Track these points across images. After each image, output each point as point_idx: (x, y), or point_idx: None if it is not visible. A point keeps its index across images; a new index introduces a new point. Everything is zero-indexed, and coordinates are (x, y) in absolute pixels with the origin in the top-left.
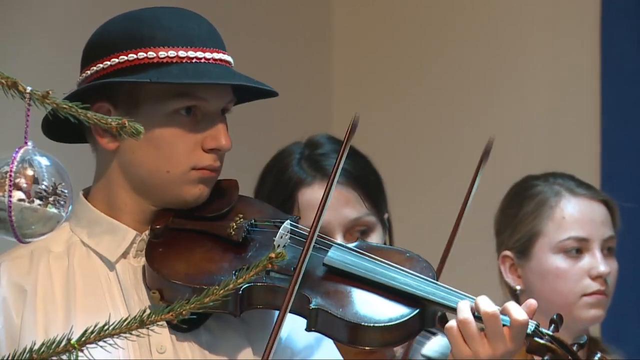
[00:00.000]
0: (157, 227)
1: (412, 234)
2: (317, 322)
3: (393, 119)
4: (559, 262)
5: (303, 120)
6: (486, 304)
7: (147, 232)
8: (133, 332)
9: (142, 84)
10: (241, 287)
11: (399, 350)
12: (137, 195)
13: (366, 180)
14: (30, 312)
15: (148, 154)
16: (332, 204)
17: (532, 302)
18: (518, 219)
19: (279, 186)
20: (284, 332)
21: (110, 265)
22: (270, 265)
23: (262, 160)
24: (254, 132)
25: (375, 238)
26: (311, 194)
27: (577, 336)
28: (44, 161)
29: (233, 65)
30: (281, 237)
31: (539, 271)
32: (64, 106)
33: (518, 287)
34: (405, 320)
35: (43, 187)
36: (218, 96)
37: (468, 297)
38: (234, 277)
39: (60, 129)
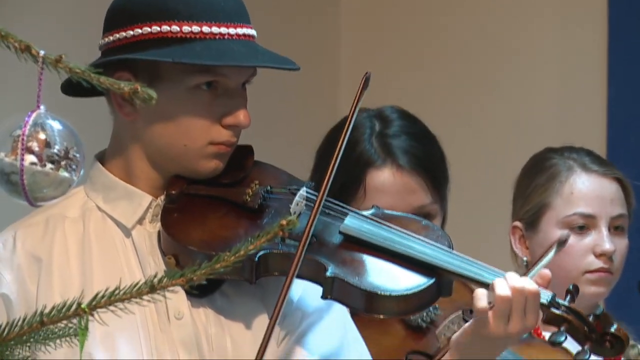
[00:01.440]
0: (173, 192)
1: None
2: (332, 290)
3: (402, 87)
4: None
5: (310, 85)
6: (501, 286)
7: (162, 197)
8: (144, 297)
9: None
10: (255, 254)
11: (445, 342)
12: (154, 163)
13: (434, 166)
14: (46, 279)
15: (166, 128)
16: (397, 190)
17: (546, 272)
18: (530, 190)
19: (348, 162)
20: (296, 295)
21: (126, 231)
22: (281, 233)
23: (269, 126)
24: (258, 98)
25: (435, 223)
26: (380, 178)
27: (570, 284)
28: (56, 125)
29: (256, 38)
30: (297, 204)
31: (545, 244)
32: (77, 70)
33: (525, 259)
34: (422, 290)
35: (55, 151)
36: (239, 73)
37: (485, 267)
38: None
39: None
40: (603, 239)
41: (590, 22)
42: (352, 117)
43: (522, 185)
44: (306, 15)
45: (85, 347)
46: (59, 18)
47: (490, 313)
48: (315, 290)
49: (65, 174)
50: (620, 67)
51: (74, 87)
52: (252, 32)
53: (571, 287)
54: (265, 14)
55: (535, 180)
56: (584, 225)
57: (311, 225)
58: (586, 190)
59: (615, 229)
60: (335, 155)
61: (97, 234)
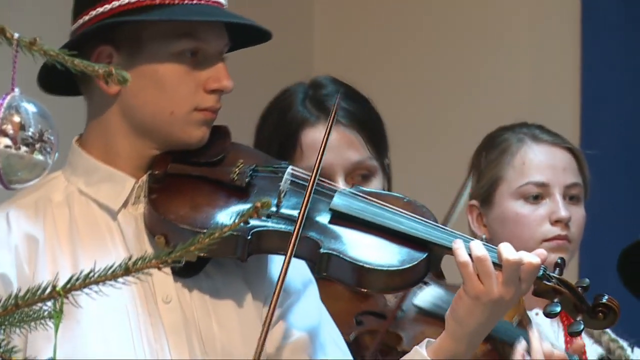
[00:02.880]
0: (157, 172)
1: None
2: (327, 267)
3: (374, 82)
4: (519, 207)
5: (284, 68)
6: (508, 251)
7: (143, 178)
8: (119, 280)
9: (145, 24)
10: (250, 230)
11: (391, 299)
12: (138, 139)
13: (370, 123)
14: (41, 261)
15: (152, 95)
16: (335, 145)
17: (542, 251)
18: (482, 167)
19: (282, 125)
20: (276, 275)
21: (112, 214)
22: (255, 215)
23: (243, 107)
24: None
25: (376, 183)
26: (314, 134)
27: (558, 257)
28: (30, 108)
29: (226, 6)
30: (285, 183)
31: (500, 218)
32: (51, 53)
33: (483, 236)
34: (415, 265)
35: (30, 133)
36: (218, 37)
37: (470, 238)
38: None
39: (54, 81)
40: (558, 206)
41: (564, 20)
42: (329, 128)
43: (475, 164)
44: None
45: (76, 333)
46: (42, 5)
47: (472, 271)
48: (294, 270)
49: (40, 157)
50: (594, 62)
51: (49, 84)
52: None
53: (559, 260)
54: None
55: (488, 156)
56: (538, 194)
57: (306, 205)
58: (538, 159)
59: (570, 198)
60: (325, 136)
61: (83, 217)
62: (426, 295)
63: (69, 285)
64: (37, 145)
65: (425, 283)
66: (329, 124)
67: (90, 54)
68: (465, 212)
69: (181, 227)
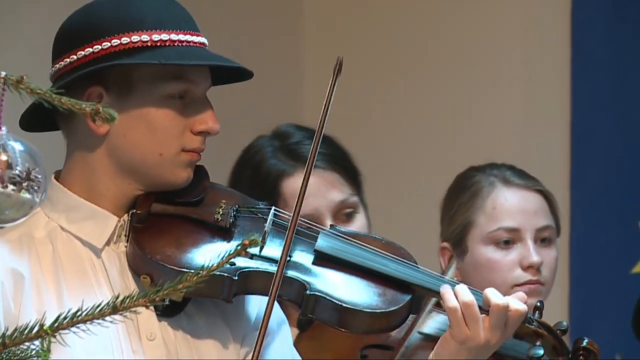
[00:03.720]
0: (140, 212)
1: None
2: (314, 309)
3: (364, 104)
4: (490, 253)
5: (274, 110)
6: (496, 296)
7: (125, 217)
8: (106, 318)
9: (136, 66)
10: (237, 271)
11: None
12: (123, 179)
13: (344, 161)
14: (27, 297)
15: (142, 137)
16: (318, 189)
17: (522, 294)
18: (454, 209)
19: (258, 181)
20: (253, 314)
21: (96, 252)
22: (243, 253)
23: (229, 149)
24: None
25: (361, 217)
26: (295, 184)
27: (538, 301)
28: (17, 146)
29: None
30: (269, 223)
31: (472, 263)
32: (38, 91)
33: (455, 279)
34: (400, 307)
35: (17, 172)
36: (204, 79)
37: (455, 282)
38: (228, 265)
39: (34, 119)
40: (529, 251)
41: (554, 56)
42: (328, 103)
43: (446, 205)
44: (269, 29)
45: None
46: (35, 46)
47: (460, 316)
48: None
49: (27, 196)
50: (584, 77)
51: (32, 122)
52: (205, 40)
53: (538, 303)
54: (227, 25)
55: (459, 199)
56: (509, 239)
57: (288, 248)
58: (508, 204)
59: (542, 241)
60: (306, 174)
61: (67, 254)
62: (430, 322)
63: (56, 324)
64: (25, 184)
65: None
66: (307, 171)
67: (81, 94)
68: (437, 254)
69: (169, 268)
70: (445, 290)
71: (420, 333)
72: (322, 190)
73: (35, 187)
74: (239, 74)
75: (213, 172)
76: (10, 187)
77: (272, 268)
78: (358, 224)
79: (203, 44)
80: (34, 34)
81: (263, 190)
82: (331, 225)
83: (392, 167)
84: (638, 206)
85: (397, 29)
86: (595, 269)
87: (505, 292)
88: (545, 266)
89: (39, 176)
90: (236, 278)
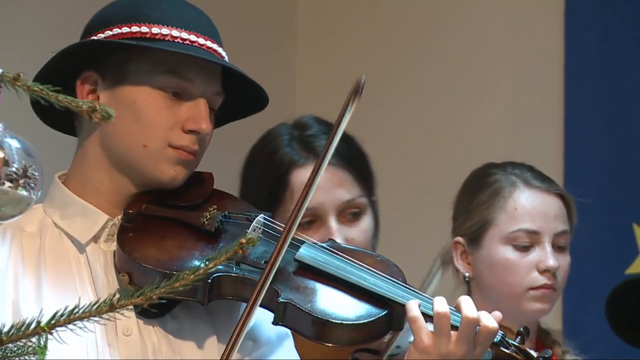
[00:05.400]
0: (130, 211)
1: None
2: (284, 316)
3: (355, 109)
4: (508, 253)
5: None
6: (469, 307)
7: (119, 217)
8: (103, 316)
9: (133, 56)
10: (211, 275)
11: (386, 336)
12: (116, 174)
13: (358, 161)
14: (1, 289)
15: (128, 126)
16: (326, 184)
17: (498, 314)
18: (472, 206)
19: (271, 168)
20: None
21: (81, 248)
22: (240, 251)
23: (228, 153)
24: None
25: (366, 219)
26: (304, 175)
27: (521, 326)
28: (14, 143)
29: (227, 60)
30: (254, 230)
31: (488, 261)
32: (35, 89)
33: (467, 274)
34: (373, 321)
35: (13, 169)
36: (205, 81)
37: (430, 299)
38: (204, 264)
39: (53, 116)
40: (547, 255)
41: (546, 58)
42: (338, 124)
43: (463, 201)
44: (262, 35)
45: None
46: (29, 44)
47: (420, 325)
48: (268, 321)
49: (24, 193)
50: (576, 79)
51: (49, 119)
52: (221, 51)
53: (522, 328)
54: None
55: (478, 196)
56: (528, 241)
57: (278, 253)
58: (530, 206)
59: (558, 246)
60: (311, 175)
61: (53, 249)
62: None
63: (53, 321)
64: (21, 181)
65: None
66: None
67: (76, 77)
68: (449, 248)
69: (144, 266)
70: (409, 301)
71: (410, 343)
72: (330, 187)
73: (32, 184)
74: (252, 102)
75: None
76: (7, 184)
77: (250, 275)
78: (363, 226)
79: (215, 51)
80: (28, 31)
81: (273, 178)
82: (330, 239)
83: (385, 167)
84: (631, 207)
85: (391, 29)
86: (589, 270)
87: (520, 294)
88: (560, 271)
89: (36, 173)
90: (210, 281)
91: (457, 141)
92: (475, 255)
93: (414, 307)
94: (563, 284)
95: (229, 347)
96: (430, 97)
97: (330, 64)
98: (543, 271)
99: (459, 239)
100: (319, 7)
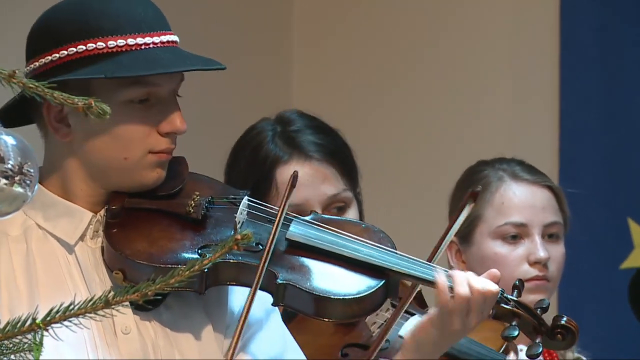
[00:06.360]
0: (114, 207)
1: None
2: (284, 297)
3: (352, 108)
4: (498, 247)
5: (262, 102)
6: (477, 281)
7: (101, 212)
8: (98, 312)
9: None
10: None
11: (376, 330)
12: (94, 182)
13: (341, 155)
14: None
15: (104, 143)
16: (310, 180)
17: (494, 271)
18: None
19: (255, 165)
20: (237, 306)
21: (69, 248)
22: (235, 247)
23: (217, 139)
24: (208, 111)
25: (352, 213)
26: (289, 172)
27: (516, 279)
28: (9, 140)
29: (179, 43)
30: (241, 213)
31: (479, 257)
32: (30, 85)
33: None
34: (372, 292)
35: (9, 166)
36: (170, 80)
37: (430, 265)
38: (198, 256)
39: (12, 114)
40: (536, 247)
41: (543, 55)
42: (282, 210)
43: (455, 199)
44: (258, 25)
45: None
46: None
47: (450, 305)
48: (256, 300)
49: (20, 190)
50: (572, 74)
51: (7, 117)
52: (175, 37)
53: (517, 282)
54: (215, 22)
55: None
56: (517, 234)
57: (272, 240)
58: (517, 199)
59: (549, 237)
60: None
61: (40, 252)
62: (411, 326)
63: (49, 318)
64: (17, 178)
65: (410, 313)
66: (285, 195)
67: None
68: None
69: (137, 262)
70: (436, 275)
71: (400, 337)
72: (314, 183)
73: (28, 181)
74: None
75: (201, 166)
76: (3, 181)
77: (244, 259)
78: (348, 218)
79: (170, 42)
80: (24, 29)
81: (259, 173)
82: (312, 211)
83: (381, 165)
84: (626, 202)
85: (388, 29)
86: (585, 265)
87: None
88: (552, 262)
89: (31, 170)
90: (206, 269)
91: (455, 139)
92: (468, 252)
93: (446, 290)
94: (558, 274)
95: (235, 340)
96: (427, 96)
97: (327, 64)
98: (533, 263)
99: (453, 238)
100: (315, 7)
